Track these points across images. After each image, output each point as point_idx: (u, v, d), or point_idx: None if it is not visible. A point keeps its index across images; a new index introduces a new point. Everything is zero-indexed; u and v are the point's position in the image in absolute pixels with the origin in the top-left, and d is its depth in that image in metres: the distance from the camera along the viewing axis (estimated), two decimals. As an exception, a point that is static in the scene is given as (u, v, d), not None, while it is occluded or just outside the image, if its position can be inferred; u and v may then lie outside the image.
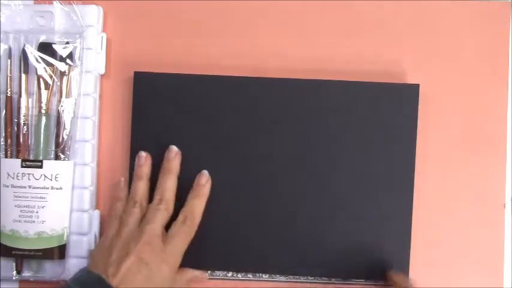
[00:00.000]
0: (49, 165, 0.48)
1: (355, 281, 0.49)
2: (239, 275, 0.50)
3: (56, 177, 0.48)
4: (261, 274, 0.50)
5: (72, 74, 0.50)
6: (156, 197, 0.47)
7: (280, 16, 0.51)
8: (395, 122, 0.48)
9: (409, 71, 0.50)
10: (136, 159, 0.48)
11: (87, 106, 0.50)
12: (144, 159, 0.48)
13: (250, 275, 0.50)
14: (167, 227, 0.46)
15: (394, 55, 0.50)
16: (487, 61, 0.51)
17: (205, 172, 0.49)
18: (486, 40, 0.51)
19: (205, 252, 0.49)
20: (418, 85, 0.48)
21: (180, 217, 0.46)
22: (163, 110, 0.49)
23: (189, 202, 0.47)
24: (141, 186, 0.47)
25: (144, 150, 0.49)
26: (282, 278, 0.50)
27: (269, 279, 0.50)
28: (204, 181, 0.48)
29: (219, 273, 0.50)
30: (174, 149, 0.48)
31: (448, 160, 0.50)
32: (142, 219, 0.46)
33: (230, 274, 0.50)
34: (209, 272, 0.50)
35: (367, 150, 0.48)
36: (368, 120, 0.48)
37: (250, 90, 0.49)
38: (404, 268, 0.48)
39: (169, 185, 0.47)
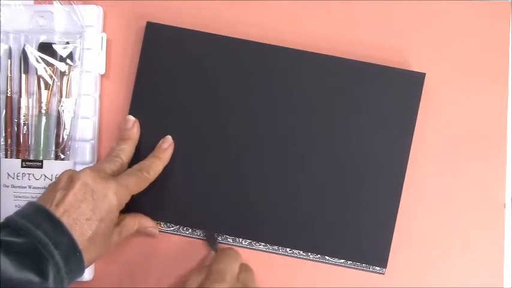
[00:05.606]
0: (49, 165, 0.48)
1: (337, 261, 0.50)
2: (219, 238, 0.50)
3: (56, 177, 0.48)
4: (240, 240, 0.50)
5: (72, 74, 0.50)
6: (114, 152, 0.47)
7: None
8: (397, 107, 0.48)
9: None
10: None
11: (87, 106, 0.50)
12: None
13: (230, 239, 0.50)
14: None
15: (393, 55, 0.50)
16: (487, 61, 0.51)
17: (168, 137, 0.49)
18: (486, 40, 0.51)
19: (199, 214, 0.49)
20: (424, 74, 0.48)
21: (136, 166, 0.46)
22: (170, 64, 0.49)
23: (148, 159, 0.47)
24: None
25: (146, 101, 0.49)
26: (261, 247, 0.50)
27: (248, 246, 0.50)
28: (167, 145, 0.48)
29: (199, 233, 0.50)
30: (131, 118, 0.48)
31: (448, 160, 0.50)
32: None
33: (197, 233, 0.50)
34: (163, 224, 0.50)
35: (362, 130, 0.48)
36: (369, 101, 0.49)
37: (265, 57, 0.49)
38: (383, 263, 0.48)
39: (126, 148, 0.47)
